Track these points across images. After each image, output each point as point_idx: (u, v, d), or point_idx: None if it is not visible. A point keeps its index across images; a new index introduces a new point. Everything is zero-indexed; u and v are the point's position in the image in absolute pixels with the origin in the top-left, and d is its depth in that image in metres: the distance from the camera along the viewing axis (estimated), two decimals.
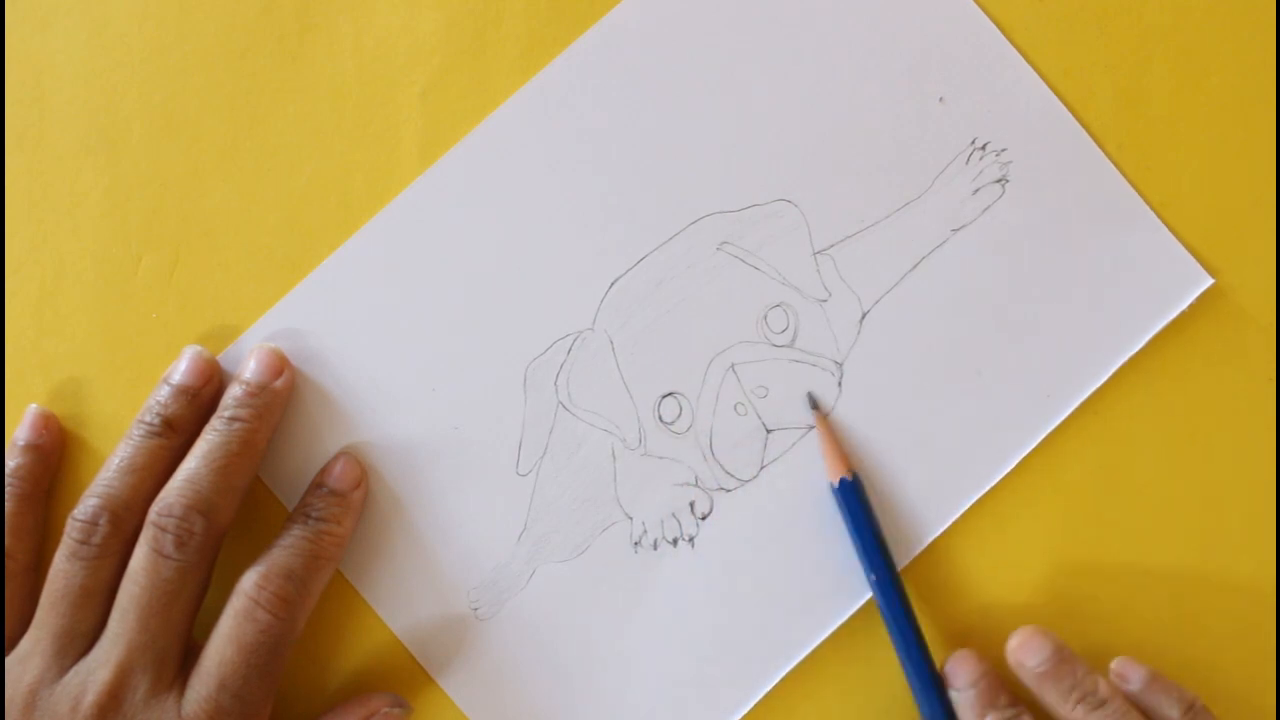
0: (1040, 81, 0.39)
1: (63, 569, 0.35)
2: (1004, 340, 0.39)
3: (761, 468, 0.39)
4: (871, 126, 0.39)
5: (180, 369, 0.38)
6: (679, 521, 0.39)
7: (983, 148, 0.39)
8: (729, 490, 0.39)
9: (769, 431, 0.39)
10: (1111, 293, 0.39)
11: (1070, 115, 0.39)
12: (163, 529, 0.35)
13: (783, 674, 0.38)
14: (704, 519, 0.39)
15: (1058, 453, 0.39)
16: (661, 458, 0.39)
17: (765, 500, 0.39)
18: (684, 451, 0.39)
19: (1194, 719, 0.35)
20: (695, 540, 0.39)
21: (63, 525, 0.36)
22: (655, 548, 0.39)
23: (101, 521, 0.35)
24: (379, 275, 0.39)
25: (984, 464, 0.38)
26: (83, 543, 0.35)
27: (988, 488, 0.38)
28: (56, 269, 0.39)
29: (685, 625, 0.38)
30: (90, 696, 0.34)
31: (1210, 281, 0.39)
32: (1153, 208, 0.39)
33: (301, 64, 0.40)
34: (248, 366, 0.38)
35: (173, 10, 0.40)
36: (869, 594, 0.38)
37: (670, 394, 0.39)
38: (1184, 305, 0.39)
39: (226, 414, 0.37)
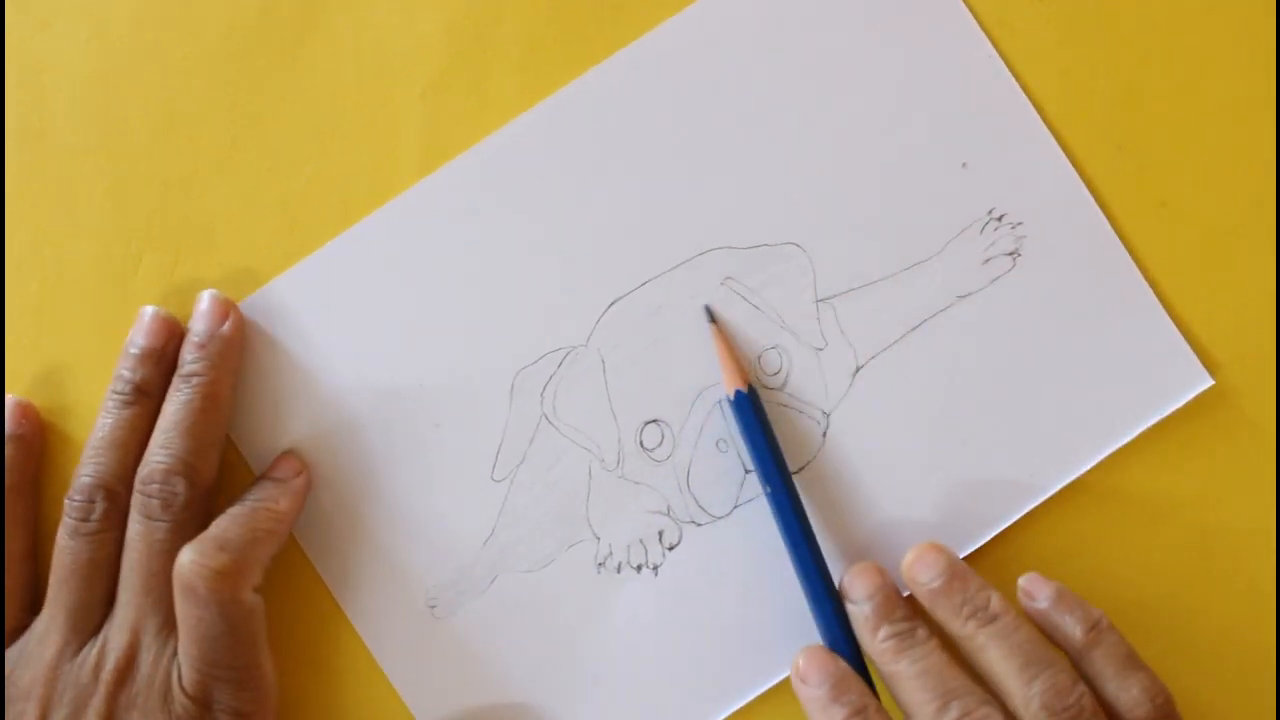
0: (1065, 161, 0.39)
1: (67, 546, 0.36)
2: (994, 413, 0.39)
3: (735, 506, 0.39)
4: (891, 182, 0.39)
5: (140, 331, 0.38)
6: (646, 548, 0.39)
7: (999, 219, 0.39)
8: (699, 524, 0.39)
9: (747, 472, 0.39)
10: (1108, 381, 0.39)
11: (1091, 198, 0.39)
12: (148, 496, 0.36)
13: (727, 714, 0.38)
14: (671, 549, 0.39)
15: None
16: (637, 483, 0.39)
17: (734, 539, 0.39)
18: (660, 480, 0.39)
19: (1098, 637, 0.35)
20: (659, 569, 0.39)
21: (50, 513, 0.37)
22: (619, 571, 0.39)
23: (97, 498, 0.36)
24: (383, 262, 0.39)
25: (957, 535, 0.38)
26: (83, 520, 0.36)
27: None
28: (56, 269, 0.40)
29: (637, 652, 0.38)
30: (110, 663, 0.35)
31: (1209, 383, 0.39)
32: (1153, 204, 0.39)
33: (301, 64, 0.40)
34: (195, 320, 0.38)
35: (173, 10, 0.40)
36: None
37: (654, 421, 0.39)
38: (1180, 403, 0.39)
39: (184, 371, 0.37)
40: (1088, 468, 0.38)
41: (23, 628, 0.37)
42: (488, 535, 0.39)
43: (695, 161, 0.39)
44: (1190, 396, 0.39)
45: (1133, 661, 0.34)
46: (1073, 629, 0.35)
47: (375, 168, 0.39)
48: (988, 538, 0.38)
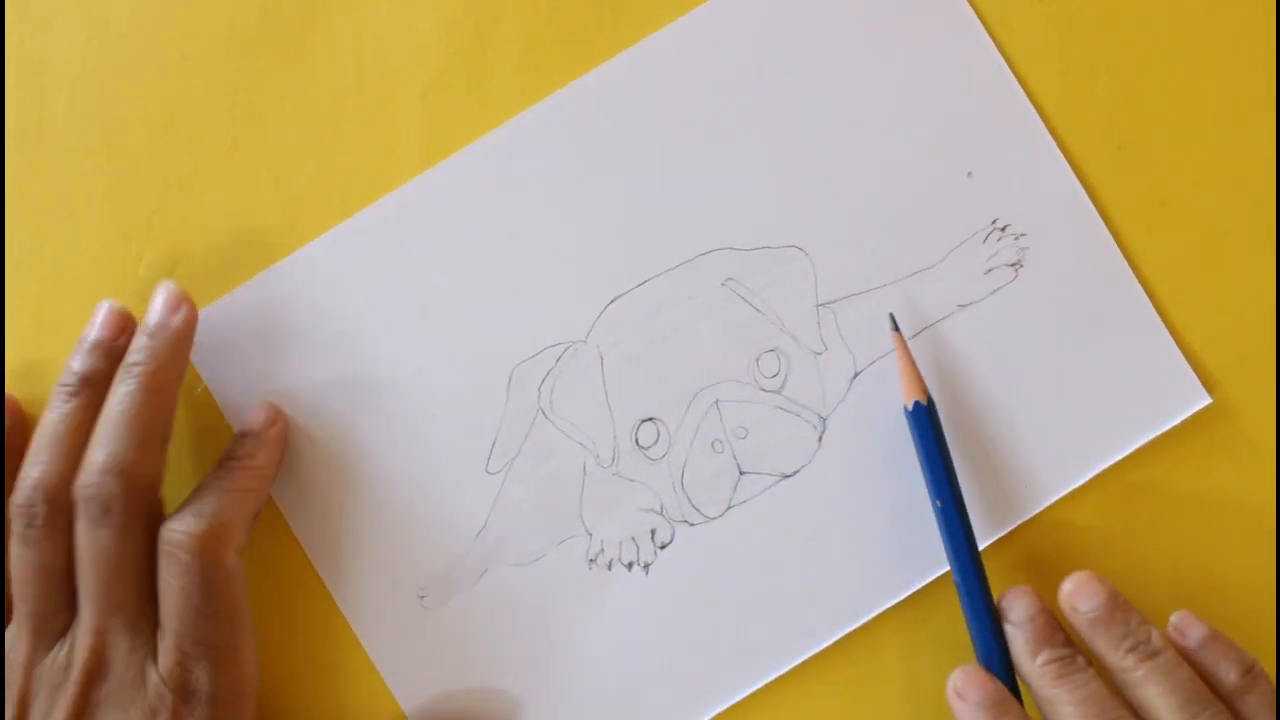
0: (1071, 174, 0.39)
1: (18, 554, 0.35)
2: (989, 425, 0.38)
3: (728, 508, 0.39)
4: (896, 189, 0.39)
5: (94, 324, 0.37)
6: (638, 546, 0.39)
7: (1003, 229, 0.39)
8: (692, 524, 0.39)
9: (742, 473, 0.39)
10: (1105, 396, 0.39)
11: (1096, 212, 0.39)
12: (88, 499, 0.35)
13: (711, 715, 0.38)
14: (663, 548, 0.39)
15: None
16: (631, 480, 0.39)
17: (726, 540, 0.39)
18: (654, 478, 0.39)
19: (1253, 682, 0.34)
20: (650, 568, 0.39)
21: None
22: (610, 568, 0.39)
23: (38, 503, 0.35)
24: (386, 250, 0.39)
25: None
26: (28, 526, 0.35)
27: (946, 569, 0.38)
28: (56, 269, 0.40)
29: (625, 649, 0.38)
30: (77, 665, 0.35)
31: (1207, 401, 0.39)
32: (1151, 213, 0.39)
33: (301, 64, 0.40)
34: (149, 310, 0.37)
35: (173, 10, 0.40)
36: (806, 654, 0.38)
37: (651, 419, 0.39)
38: (1177, 420, 0.38)
39: (128, 361, 0.36)
40: (1081, 482, 0.38)
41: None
42: (480, 527, 0.39)
43: (700, 162, 0.39)
44: (1188, 414, 0.39)
45: None
46: (1227, 672, 0.35)
47: (375, 168, 0.39)
48: (980, 548, 0.38)
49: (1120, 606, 0.35)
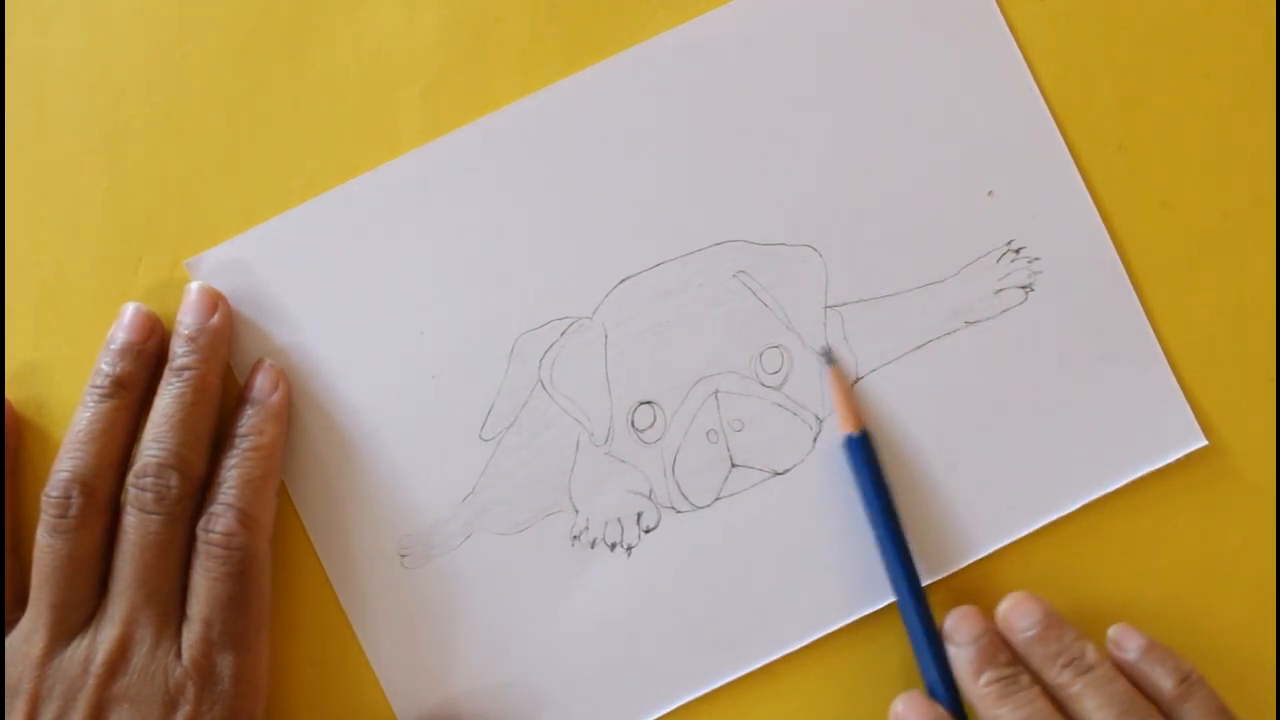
0: (1091, 204, 0.39)
1: (47, 544, 0.36)
2: (985, 443, 0.39)
3: (717, 499, 0.39)
4: (916, 200, 0.39)
5: (120, 327, 0.38)
6: (622, 527, 0.39)
7: (1017, 251, 0.39)
8: (679, 511, 0.39)
9: (734, 466, 0.39)
10: (1103, 426, 0.39)
11: (1111, 244, 0.39)
12: (142, 489, 0.36)
13: (678, 705, 0.38)
14: (647, 532, 0.39)
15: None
16: (623, 461, 0.39)
17: (711, 531, 0.39)
18: (646, 462, 0.39)
19: (1189, 690, 0.35)
20: (633, 551, 0.39)
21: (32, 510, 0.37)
22: (592, 546, 0.39)
23: (74, 494, 0.36)
24: (403, 206, 0.39)
25: (931, 558, 0.38)
26: (60, 516, 0.36)
27: (925, 583, 0.38)
28: (56, 269, 0.39)
29: (599, 629, 0.38)
30: (100, 655, 0.35)
31: (1203, 443, 0.39)
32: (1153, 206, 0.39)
33: (301, 64, 0.39)
34: (183, 313, 0.38)
35: (173, 10, 0.40)
36: (776, 655, 0.38)
37: (649, 402, 0.39)
38: (1169, 459, 0.39)
39: (175, 365, 0.37)
40: (1067, 511, 0.38)
41: (8, 624, 0.36)
42: (468, 492, 0.39)
43: (725, 153, 0.39)
44: (1181, 454, 0.39)
45: (1225, 715, 0.35)
46: (1164, 680, 0.35)
47: (375, 168, 0.39)
48: (961, 565, 0.38)
49: (1055, 624, 0.36)
